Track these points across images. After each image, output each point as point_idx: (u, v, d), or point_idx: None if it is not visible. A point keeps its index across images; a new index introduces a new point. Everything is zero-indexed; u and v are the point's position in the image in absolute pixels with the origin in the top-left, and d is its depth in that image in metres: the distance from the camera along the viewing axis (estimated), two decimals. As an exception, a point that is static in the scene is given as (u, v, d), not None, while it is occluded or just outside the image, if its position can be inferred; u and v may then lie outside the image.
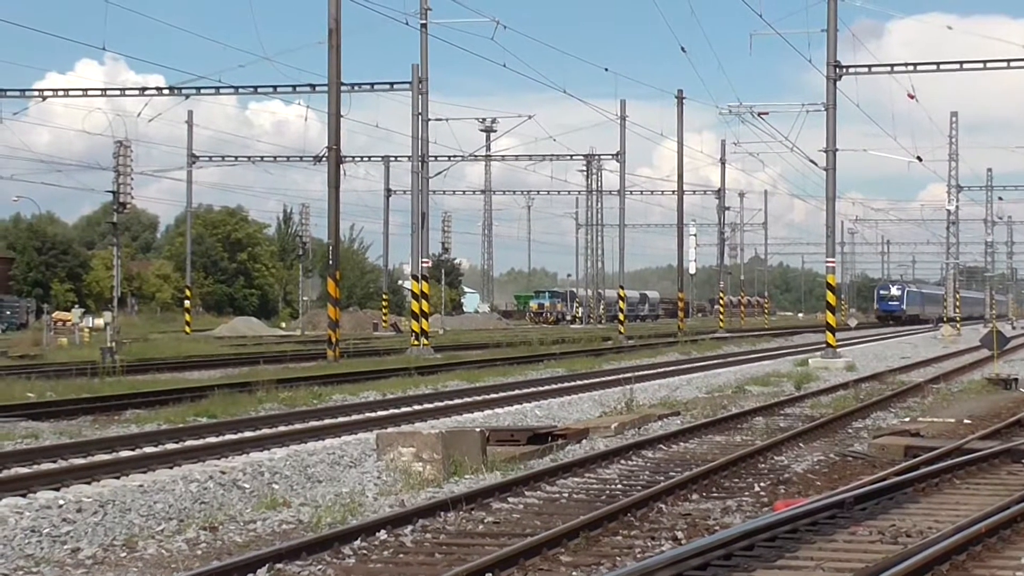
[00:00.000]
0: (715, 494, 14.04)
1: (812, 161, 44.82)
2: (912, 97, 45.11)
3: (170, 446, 17.46)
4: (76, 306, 74.57)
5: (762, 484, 14.75)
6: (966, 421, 21.16)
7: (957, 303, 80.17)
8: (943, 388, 29.82)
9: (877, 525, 11.57)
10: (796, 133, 49.17)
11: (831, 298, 42.83)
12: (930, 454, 16.11)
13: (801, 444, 18.64)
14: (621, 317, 69.36)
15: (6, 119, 51.02)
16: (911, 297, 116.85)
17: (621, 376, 29.88)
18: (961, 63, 44.10)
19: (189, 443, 17.81)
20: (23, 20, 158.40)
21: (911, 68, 44.23)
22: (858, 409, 23.51)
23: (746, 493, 14.15)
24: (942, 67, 44.16)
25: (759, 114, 46.91)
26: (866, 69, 43.92)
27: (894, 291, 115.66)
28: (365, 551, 10.83)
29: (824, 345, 42.81)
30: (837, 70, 41.78)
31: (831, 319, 42.65)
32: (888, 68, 44.43)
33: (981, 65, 43.95)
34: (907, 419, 22.14)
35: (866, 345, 56.06)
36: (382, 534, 11.33)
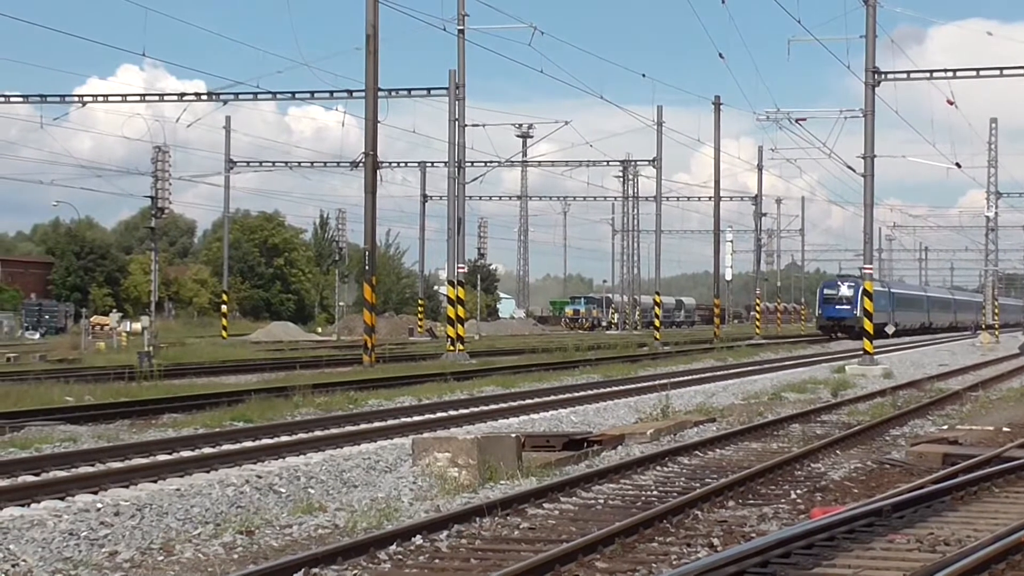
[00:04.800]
0: (751, 501, 13.99)
1: (850, 167, 44.74)
2: (951, 103, 44.90)
3: (207, 450, 17.53)
4: (114, 310, 75.04)
5: (799, 491, 14.68)
6: (1005, 429, 21.01)
7: (996, 310, 79.66)
8: (982, 395, 29.61)
9: (915, 533, 11.49)
10: (834, 139, 49.42)
11: (869, 305, 42.63)
12: (969, 462, 15.99)
13: (838, 451, 18.54)
14: (657, 323, 69.23)
15: (47, 125, 51.49)
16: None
17: (657, 382, 29.81)
18: (1001, 69, 43.89)
19: (226, 447, 17.88)
20: (65, 26, 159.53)
21: (951, 74, 44.01)
22: (896, 416, 23.37)
23: (783, 500, 14.08)
24: (982, 73, 43.94)
25: (797, 120, 46.81)
26: (905, 75, 43.76)
27: (844, 290, 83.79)
28: (401, 556, 10.84)
29: (861, 352, 42.63)
30: (876, 76, 41.62)
31: (868, 326, 42.46)
32: (927, 74, 44.23)
33: (1022, 71, 43.69)
34: (945, 427, 21.99)
35: (904, 352, 55.76)
36: (418, 539, 11.33)
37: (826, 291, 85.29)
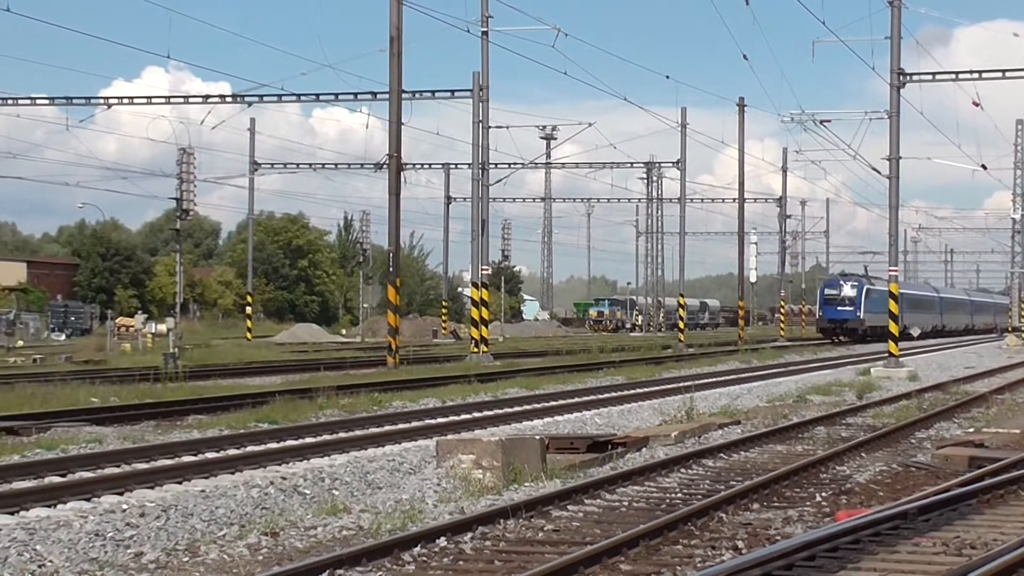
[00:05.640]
0: (776, 504, 13.95)
1: (875, 169, 44.65)
2: (977, 105, 44.72)
3: (232, 452, 17.58)
4: (139, 312, 75.39)
5: (823, 494, 14.64)
6: (1031, 432, 20.88)
7: (1023, 312, 79.22)
8: (1008, 398, 29.46)
9: (941, 537, 11.44)
10: (859, 141, 49.39)
11: (894, 307, 42.48)
12: (995, 465, 15.91)
13: (863, 454, 18.47)
14: (681, 325, 69.13)
15: (73, 127, 51.78)
16: (875, 300, 74.15)
17: (681, 384, 29.76)
18: (1027, 70, 43.67)
19: (250, 449, 17.92)
20: (91, 28, 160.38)
21: (976, 75, 43.86)
22: (921, 419, 23.28)
23: (807, 503, 14.04)
24: (1008, 74, 43.75)
25: (821, 122, 46.74)
26: (930, 77, 43.62)
27: (846, 290, 76.46)
28: (425, 558, 10.85)
29: (886, 354, 42.48)
30: (901, 78, 41.49)
31: (893, 328, 42.30)
32: (953, 75, 44.07)
33: (1047, 72, 43.49)
34: (971, 430, 21.88)
35: (929, 355, 55.55)
36: (442, 541, 11.34)
37: (827, 291, 78.31)
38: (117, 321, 69.39)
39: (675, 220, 78.07)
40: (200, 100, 53.50)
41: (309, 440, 19.04)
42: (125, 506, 12.84)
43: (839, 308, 76.13)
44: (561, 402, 26.73)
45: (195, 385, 30.73)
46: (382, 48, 40.74)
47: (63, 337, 71.26)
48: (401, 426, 21.37)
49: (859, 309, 75.29)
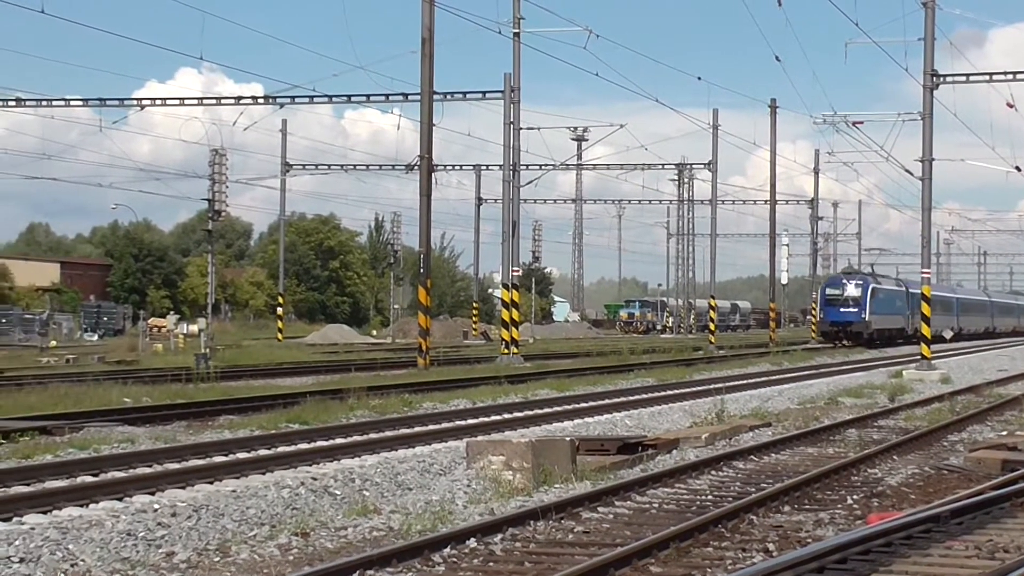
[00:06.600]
0: (807, 506, 13.90)
1: (908, 171, 44.36)
2: (1011, 106, 44.45)
3: (263, 452, 17.62)
4: (171, 312, 75.75)
5: (855, 497, 14.58)
6: (1065, 435, 20.73)
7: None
8: (1042, 401, 29.25)
9: (974, 540, 11.38)
10: (892, 142, 49.10)
11: (926, 309, 42.27)
12: (1028, 469, 15.81)
13: (895, 457, 18.40)
14: (712, 327, 68.96)
15: (107, 128, 52.02)
16: (882, 300, 71.70)
17: (712, 386, 29.70)
18: (1062, 71, 43.37)
19: (281, 449, 17.97)
20: (125, 30, 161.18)
21: (1010, 77, 43.61)
22: (954, 422, 23.16)
23: (839, 506, 13.99)
24: (1042, 75, 43.46)
25: (854, 123, 46.51)
26: (964, 78, 43.35)
27: (850, 290, 70.42)
28: (455, 559, 10.86)
29: (919, 357, 42.27)
30: (934, 79, 41.24)
31: (926, 330, 42.09)
32: (987, 77, 43.83)
33: (1082, 73, 43.20)
34: (1004, 432, 21.76)
35: (962, 357, 55.23)
36: (472, 542, 11.35)
37: (829, 291, 72.05)
38: (149, 322, 69.78)
39: (706, 222, 78.09)
40: (232, 101, 53.68)
41: (340, 441, 19.08)
42: (157, 506, 12.89)
43: (842, 309, 70.24)
44: (591, 404, 26.70)
45: (226, 386, 30.83)
46: (414, 50, 40.81)
47: (96, 337, 71.68)
48: (431, 427, 21.39)
49: (864, 310, 69.45)
